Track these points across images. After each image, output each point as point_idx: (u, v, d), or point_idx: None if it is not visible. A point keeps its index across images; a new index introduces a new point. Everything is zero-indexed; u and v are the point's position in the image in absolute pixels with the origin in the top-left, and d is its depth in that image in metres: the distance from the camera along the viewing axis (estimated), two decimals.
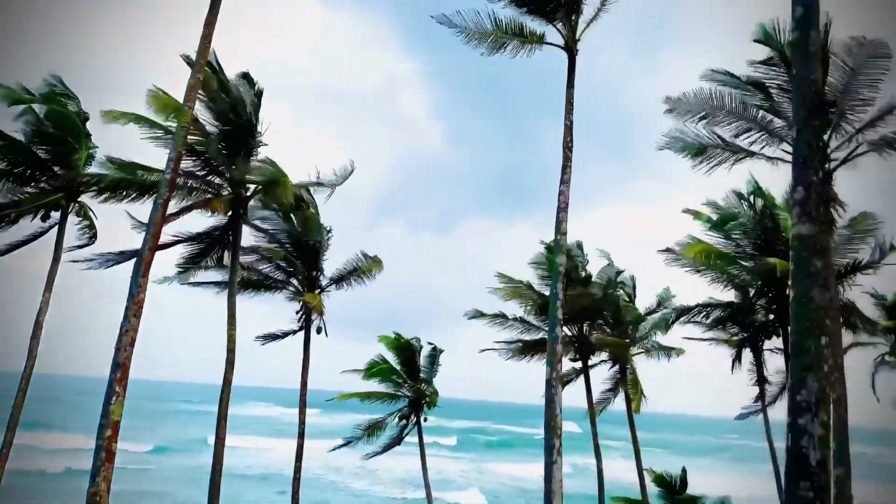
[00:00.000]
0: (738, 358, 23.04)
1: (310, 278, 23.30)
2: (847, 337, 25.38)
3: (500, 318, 25.58)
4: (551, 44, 18.42)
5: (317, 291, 23.08)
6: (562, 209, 17.56)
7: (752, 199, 21.91)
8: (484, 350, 26.15)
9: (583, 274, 26.07)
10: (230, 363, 17.99)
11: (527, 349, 25.60)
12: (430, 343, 25.55)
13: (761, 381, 23.13)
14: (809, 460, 6.63)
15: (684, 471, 19.59)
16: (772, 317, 21.51)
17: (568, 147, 18.01)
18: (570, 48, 18.31)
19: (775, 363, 23.55)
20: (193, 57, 15.20)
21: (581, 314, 25.30)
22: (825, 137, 15.12)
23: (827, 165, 15.11)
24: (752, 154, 16.35)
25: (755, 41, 16.15)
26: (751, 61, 15.92)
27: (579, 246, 26.51)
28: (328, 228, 23.35)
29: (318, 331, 22.71)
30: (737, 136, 16.42)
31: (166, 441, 70.20)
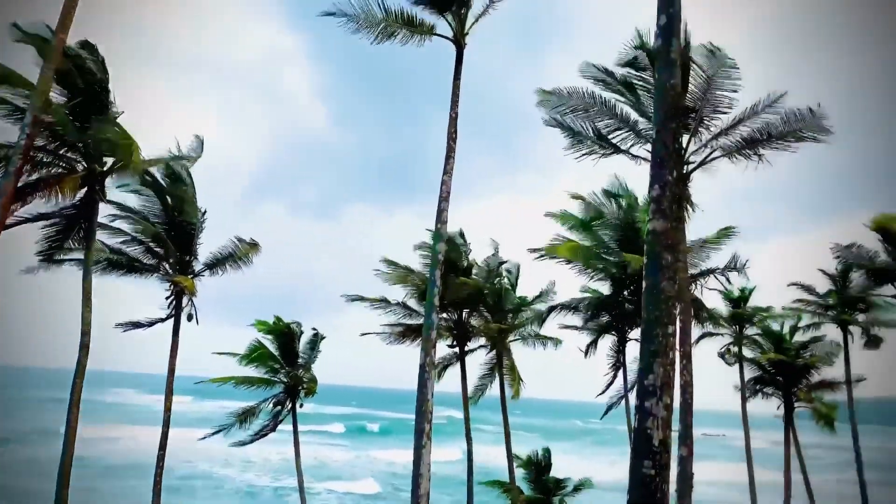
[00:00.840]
0: (593, 344, 24.44)
1: (182, 262, 22.21)
2: (698, 329, 27.66)
3: (383, 302, 25.62)
4: (441, 35, 18.57)
5: (190, 276, 22.07)
6: (443, 199, 17.79)
7: (617, 196, 23.32)
8: (364, 334, 26.09)
9: (465, 262, 26.56)
10: (84, 346, 16.89)
11: (408, 333, 25.81)
12: (312, 329, 25.18)
13: (622, 367, 24.56)
14: (653, 440, 7.15)
15: (548, 453, 20.58)
16: (633, 308, 22.95)
17: (452, 138, 18.27)
18: (459, 41, 18.55)
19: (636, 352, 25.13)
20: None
21: (462, 301, 25.79)
22: (684, 141, 16.27)
23: (685, 168, 16.18)
24: (619, 150, 17.23)
25: (634, 47, 17.00)
26: (620, 63, 16.74)
27: (462, 235, 26.98)
28: (203, 210, 22.38)
29: (189, 318, 21.72)
30: (608, 133, 17.22)
31: (8, 432, 64.67)
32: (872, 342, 29.33)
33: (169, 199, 21.75)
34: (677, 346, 15.32)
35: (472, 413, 25.54)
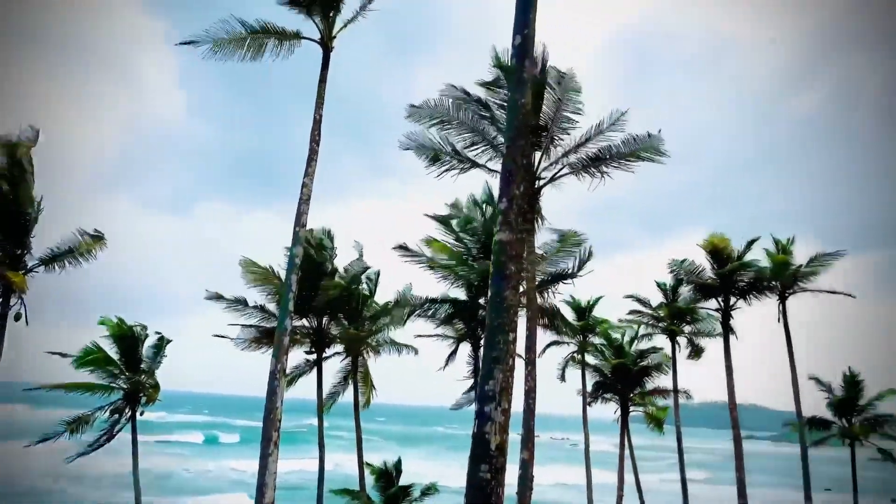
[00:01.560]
0: (454, 353, 24.96)
1: (13, 256, 20.21)
2: (548, 336, 29.12)
3: (240, 303, 24.64)
4: (308, 38, 18.44)
5: (21, 272, 20.08)
6: (304, 201, 17.55)
7: (484, 206, 24.00)
8: (218, 336, 24.95)
9: (329, 266, 26.16)
10: None
11: (264, 338, 24.99)
12: (157, 333, 23.73)
13: (476, 373, 25.26)
14: (490, 445, 7.42)
15: (399, 461, 20.79)
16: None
17: (315, 140, 18.10)
18: (326, 44, 18.50)
19: None
20: None
21: (323, 306, 25.38)
22: (536, 158, 17.15)
23: (536, 183, 17.04)
24: (478, 165, 17.90)
25: (493, 66, 17.74)
26: (479, 81, 17.47)
27: (330, 236, 26.59)
28: (38, 199, 20.49)
29: (17, 318, 19.74)
30: (468, 146, 17.84)
31: None
32: (695, 353, 32.24)
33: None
34: (523, 353, 16.11)
35: (340, 421, 25.16)
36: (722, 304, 28.31)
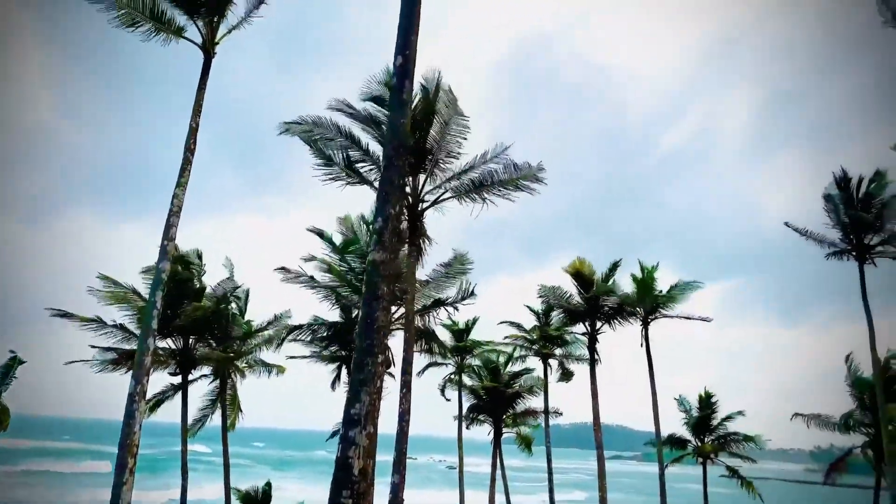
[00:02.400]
0: (338, 376, 24.37)
1: None
2: (425, 358, 29.17)
3: (97, 322, 22.89)
4: (189, 39, 17.66)
5: None
6: (174, 213, 16.61)
7: (371, 225, 23.68)
8: (70, 363, 23.02)
9: (197, 284, 24.93)
10: None
11: (125, 359, 23.30)
12: (11, 351, 21.55)
13: None
14: (353, 470, 7.23)
15: (268, 485, 19.97)
16: None
17: (190, 150, 17.22)
18: (208, 49, 17.75)
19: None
20: None
21: (190, 326, 24.08)
22: (421, 181, 17.26)
23: (420, 205, 17.13)
24: (365, 181, 17.71)
25: (379, 83, 17.69)
26: (367, 97, 17.37)
27: (199, 255, 25.37)
28: None
29: None
30: (354, 163, 17.61)
31: None
32: (565, 375, 33.38)
33: None
34: (399, 375, 15.99)
35: (218, 445, 23.71)
36: (588, 328, 29.46)
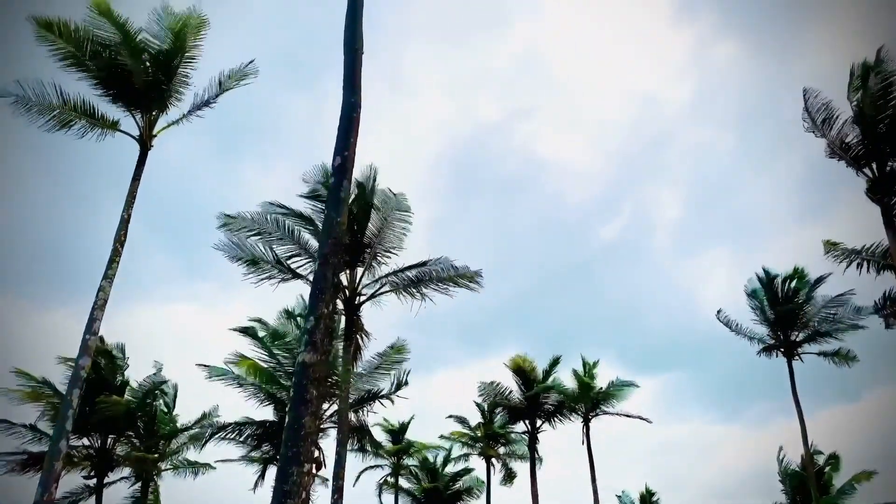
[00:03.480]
0: (262, 475, 23.12)
1: None
2: (363, 460, 28.03)
3: (4, 423, 21.34)
4: (125, 132, 17.57)
5: None
6: (98, 307, 15.94)
7: (299, 318, 23.18)
8: None
9: (120, 379, 23.68)
10: None
11: (35, 462, 21.58)
12: None
13: None
14: None
15: None
16: None
17: (120, 242, 16.76)
18: (145, 141, 17.64)
19: None
20: None
21: (108, 423, 22.62)
22: (358, 274, 17.19)
23: (356, 299, 16.97)
24: (298, 276, 17.54)
25: (317, 182, 17.88)
26: (299, 194, 17.54)
27: (122, 349, 24.26)
28: None
29: None
30: (289, 257, 17.47)
31: None
32: (509, 477, 32.39)
33: None
34: (331, 479, 15.23)
35: None
36: (529, 426, 29.03)
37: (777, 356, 28.07)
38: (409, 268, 17.45)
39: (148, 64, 17.39)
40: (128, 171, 17.14)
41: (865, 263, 18.77)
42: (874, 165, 17.91)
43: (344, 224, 9.61)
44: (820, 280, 26.52)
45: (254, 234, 17.18)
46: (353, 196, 16.87)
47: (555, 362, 29.61)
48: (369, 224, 17.83)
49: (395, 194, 17.43)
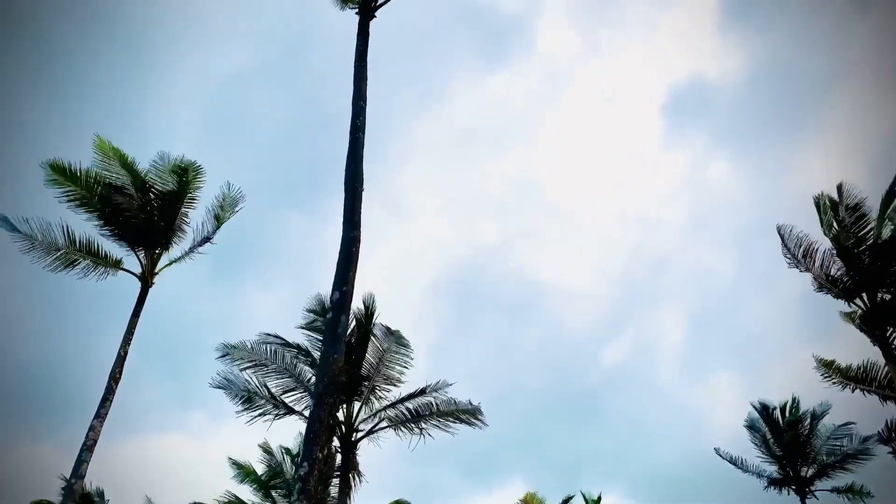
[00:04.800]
0: None
1: None
2: None
3: None
4: (127, 270, 17.83)
5: None
6: (87, 448, 15.52)
7: (296, 457, 22.46)
8: None
9: None
10: None
11: None
12: None
13: None
14: None
15: None
16: None
17: (115, 379, 16.58)
18: (147, 279, 17.85)
19: None
20: None
21: None
22: (355, 409, 16.87)
23: (353, 435, 16.54)
24: (293, 411, 17.21)
25: (309, 310, 17.96)
26: (298, 325, 17.58)
27: (100, 493, 23.50)
28: None
29: None
30: (284, 392, 17.24)
31: None
32: None
33: None
34: None
35: None
36: None
37: (789, 493, 26.77)
38: (408, 397, 17.17)
39: (154, 204, 17.99)
40: (125, 303, 17.30)
41: (866, 389, 18.28)
42: (864, 296, 17.85)
43: (341, 361, 9.59)
44: (821, 415, 25.62)
45: (250, 366, 17.07)
46: (351, 326, 16.94)
47: (566, 502, 28.59)
48: (367, 355, 17.71)
49: (392, 332, 17.47)
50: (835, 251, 17.98)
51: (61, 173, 16.82)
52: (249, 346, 17.46)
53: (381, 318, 18.07)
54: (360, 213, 10.73)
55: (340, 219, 10.71)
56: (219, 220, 18.51)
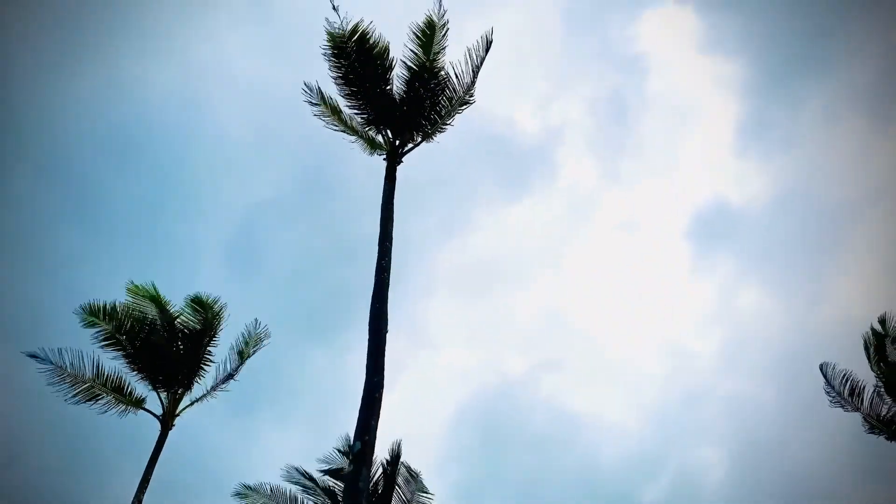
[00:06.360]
0: None
1: None
2: None
3: None
4: (148, 411, 17.51)
5: None
6: None
7: None
8: None
9: None
10: None
11: None
12: None
13: None
14: None
15: None
16: None
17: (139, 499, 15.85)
18: (167, 421, 17.43)
19: None
20: None
21: None
22: None
23: None
24: None
25: (337, 451, 17.36)
26: (320, 469, 16.93)
27: None
28: None
29: None
30: None
31: None
32: None
33: None
34: None
35: None
36: None
37: None
38: None
39: (180, 344, 17.96)
40: (141, 440, 16.87)
41: None
42: None
43: None
44: None
45: None
46: (376, 476, 16.30)
47: None
48: (394, 498, 16.91)
49: (414, 476, 16.73)
50: (885, 387, 17.17)
51: (94, 315, 16.87)
52: (269, 490, 16.77)
53: (404, 455, 17.41)
54: (383, 356, 10.59)
55: (362, 347, 10.57)
56: (242, 357, 18.33)
